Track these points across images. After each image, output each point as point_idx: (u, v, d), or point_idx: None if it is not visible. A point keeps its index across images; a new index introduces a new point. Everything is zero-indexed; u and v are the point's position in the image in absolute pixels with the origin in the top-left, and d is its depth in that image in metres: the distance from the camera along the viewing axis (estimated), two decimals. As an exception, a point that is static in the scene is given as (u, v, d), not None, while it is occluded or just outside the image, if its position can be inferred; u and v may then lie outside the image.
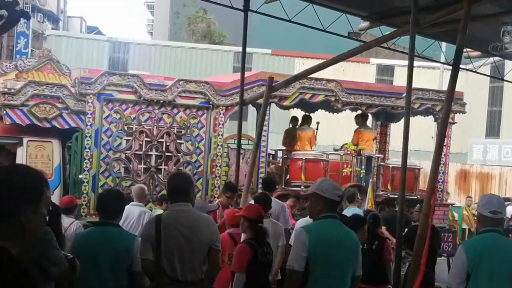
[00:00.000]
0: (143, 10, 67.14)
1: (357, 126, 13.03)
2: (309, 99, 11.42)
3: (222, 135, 10.77)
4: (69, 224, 7.34)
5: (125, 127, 10.16)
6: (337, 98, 11.49)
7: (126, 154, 10.15)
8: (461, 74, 8.80)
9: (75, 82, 9.92)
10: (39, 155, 9.89)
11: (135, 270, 4.65)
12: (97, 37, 28.79)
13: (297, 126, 13.14)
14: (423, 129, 21.70)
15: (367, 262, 5.12)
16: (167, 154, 10.38)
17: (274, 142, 13.52)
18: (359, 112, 12.68)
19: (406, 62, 7.41)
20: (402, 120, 13.08)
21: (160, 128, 10.34)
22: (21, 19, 4.53)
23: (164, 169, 10.35)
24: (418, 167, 12.77)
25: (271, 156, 12.68)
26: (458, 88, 7.77)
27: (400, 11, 9.15)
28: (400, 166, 11.96)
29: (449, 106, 7.23)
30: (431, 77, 22.96)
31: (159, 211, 8.78)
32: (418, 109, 12.22)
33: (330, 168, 11.74)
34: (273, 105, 11.36)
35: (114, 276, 4.60)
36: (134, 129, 10.22)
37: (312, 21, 10.50)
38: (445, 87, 9.35)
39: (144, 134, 10.25)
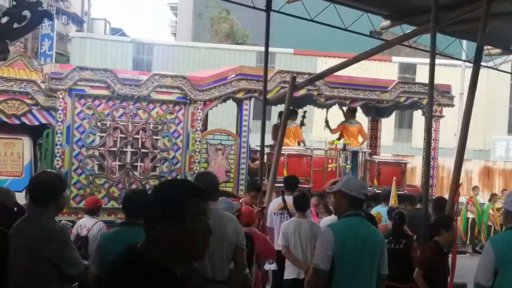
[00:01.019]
0: (166, 12, 67.64)
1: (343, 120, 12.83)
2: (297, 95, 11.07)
3: (200, 130, 10.53)
4: (93, 225, 7.38)
5: (99, 123, 9.90)
6: (319, 92, 11.22)
7: (100, 151, 9.91)
8: (482, 72, 8.86)
9: (45, 77, 9.74)
10: (8, 153, 9.66)
11: None
12: (121, 39, 29.14)
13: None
14: (446, 126, 21.66)
15: (394, 260, 5.12)
16: (143, 150, 10.14)
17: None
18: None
19: (427, 60, 7.49)
20: (393, 115, 13.20)
21: (136, 124, 10.09)
22: (45, 19, 4.66)
23: (140, 166, 10.13)
24: (405, 161, 12.56)
25: (258, 152, 12.38)
26: (480, 85, 7.87)
27: (421, 10, 9.25)
28: (386, 161, 12.20)
29: (471, 104, 7.34)
30: (452, 74, 22.92)
31: None
32: (404, 103, 12.00)
33: (314, 164, 11.52)
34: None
35: None
36: (108, 125, 9.95)
37: (334, 20, 10.62)
38: (466, 84, 9.42)
39: (119, 130, 10.00)
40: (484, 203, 16.54)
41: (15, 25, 4.17)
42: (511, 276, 4.20)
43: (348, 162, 11.72)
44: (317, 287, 4.26)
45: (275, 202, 8.51)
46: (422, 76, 22.41)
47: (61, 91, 9.68)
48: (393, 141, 24.36)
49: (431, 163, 12.11)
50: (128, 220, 4.72)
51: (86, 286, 4.62)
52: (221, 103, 11.36)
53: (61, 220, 8.00)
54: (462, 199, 15.21)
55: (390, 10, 10.12)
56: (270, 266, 7.45)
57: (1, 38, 4.14)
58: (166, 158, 10.30)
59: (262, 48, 10.46)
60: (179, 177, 10.20)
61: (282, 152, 11.10)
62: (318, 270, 4.22)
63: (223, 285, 4.57)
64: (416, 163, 20.46)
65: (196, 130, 10.46)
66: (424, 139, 11.65)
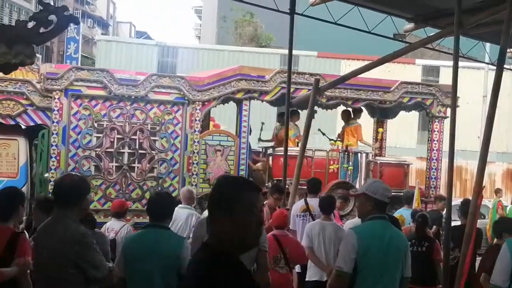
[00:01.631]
0: (191, 15, 68.08)
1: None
2: (291, 93, 10.95)
3: (199, 131, 10.42)
4: (120, 227, 7.38)
5: (95, 124, 9.84)
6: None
7: (97, 152, 9.85)
8: (506, 74, 8.80)
9: (41, 77, 9.68)
10: (3, 154, 9.59)
11: (184, 273, 4.62)
12: (146, 42, 29.39)
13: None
14: (469, 128, 21.47)
15: (417, 263, 5.09)
16: (140, 151, 10.07)
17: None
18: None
19: (451, 63, 7.47)
20: (399, 115, 13.03)
21: (133, 125, 10.03)
22: (70, 24, 4.74)
23: (137, 167, 10.06)
24: (407, 163, 12.37)
25: (260, 154, 12.35)
26: (503, 88, 7.81)
27: (444, 13, 9.22)
28: (389, 162, 12.06)
29: (494, 106, 7.29)
30: (476, 77, 22.72)
31: None
32: (407, 103, 11.88)
33: (315, 165, 11.35)
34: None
35: (163, 279, 4.49)
36: (104, 125, 9.89)
37: (358, 23, 10.62)
38: (490, 87, 9.37)
39: (116, 131, 9.94)
40: (507, 206, 16.38)
41: (42, 30, 4.26)
42: None
43: (350, 163, 11.61)
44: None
45: (298, 205, 8.53)
46: (445, 78, 22.24)
47: (57, 91, 9.64)
48: (416, 143, 24.19)
49: (435, 164, 11.97)
50: (153, 222, 4.74)
51: None
52: (222, 104, 11.24)
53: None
54: (486, 201, 15.04)
55: (413, 13, 10.09)
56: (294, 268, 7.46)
57: (28, 43, 4.23)
58: (164, 159, 10.25)
59: (286, 51, 10.47)
60: (177, 178, 10.23)
61: (282, 154, 10.88)
62: (341, 272, 4.24)
63: None
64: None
65: (195, 131, 10.38)
66: (429, 141, 11.74)
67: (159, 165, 10.21)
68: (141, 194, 10.00)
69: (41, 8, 4.27)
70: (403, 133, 23.90)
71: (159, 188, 10.02)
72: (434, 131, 12.05)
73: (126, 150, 10.04)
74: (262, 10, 11.64)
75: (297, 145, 12.03)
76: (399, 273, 4.30)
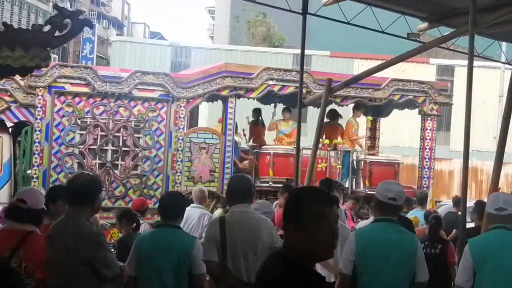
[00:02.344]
0: (204, 15, 68.27)
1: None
2: (278, 91, 10.98)
3: (183, 128, 10.40)
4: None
5: (78, 121, 9.87)
6: (308, 90, 10.99)
7: (80, 149, 9.86)
8: (522, 73, 8.73)
9: None
10: None
11: (195, 273, 4.55)
12: (160, 42, 29.51)
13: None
14: (485, 128, 21.34)
15: (429, 266, 5.06)
16: (124, 148, 10.05)
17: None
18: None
19: (466, 62, 7.43)
20: (392, 114, 12.86)
21: (116, 122, 10.03)
22: (85, 28, 4.81)
23: (121, 164, 10.04)
24: (398, 161, 12.16)
25: (248, 152, 12.19)
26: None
27: (459, 12, 9.16)
28: (379, 161, 11.90)
29: (510, 106, 7.25)
30: (491, 76, 22.55)
31: None
32: (398, 101, 11.73)
33: (303, 164, 10.93)
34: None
35: (174, 278, 4.52)
36: (88, 122, 9.91)
37: (371, 23, 10.58)
38: (506, 87, 9.31)
39: (99, 128, 9.95)
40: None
41: (57, 33, 4.32)
42: (486, 278, 4.15)
43: (339, 162, 11.49)
44: None
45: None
46: (460, 78, 22.12)
47: (40, 88, 9.65)
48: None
49: (427, 163, 11.83)
50: (164, 221, 4.77)
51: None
52: (209, 102, 11.36)
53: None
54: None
55: (427, 12, 10.03)
56: None
57: (43, 46, 4.30)
58: (148, 157, 10.24)
59: (299, 51, 10.45)
60: (161, 176, 10.18)
61: (267, 151, 11.08)
62: (341, 274, 4.30)
63: None
64: (454, 166, 20.20)
65: (179, 128, 10.34)
66: (421, 140, 11.59)
67: (142, 163, 10.22)
68: (125, 191, 9.99)
69: (57, 12, 4.32)
70: (418, 133, 23.79)
71: (143, 186, 9.98)
72: (427, 129, 11.90)
73: (110, 147, 10.04)
74: (275, 10, 11.65)
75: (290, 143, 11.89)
76: (408, 277, 4.22)
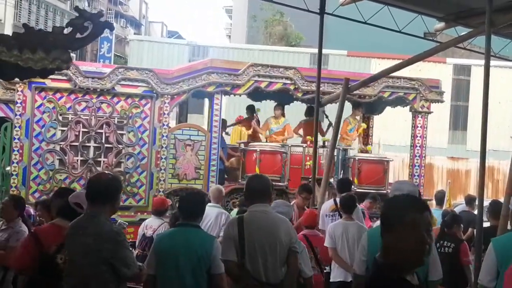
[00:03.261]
0: (221, 14, 68.47)
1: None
2: (265, 87, 10.82)
3: (168, 125, 10.24)
4: (159, 225, 7.44)
5: (60, 117, 9.71)
6: (296, 86, 10.86)
7: (61, 146, 9.71)
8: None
9: None
10: None
11: (214, 273, 4.57)
12: (177, 41, 29.57)
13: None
14: (502, 128, 21.19)
15: (444, 265, 5.05)
16: (106, 145, 9.92)
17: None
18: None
19: (483, 62, 7.43)
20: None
21: (99, 118, 9.87)
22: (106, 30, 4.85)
23: (103, 161, 9.91)
24: (387, 159, 11.97)
25: (237, 149, 12.02)
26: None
27: (475, 12, 9.15)
28: (368, 158, 11.60)
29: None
30: (508, 76, 22.38)
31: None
32: (388, 98, 11.52)
33: (291, 161, 11.15)
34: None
35: (194, 278, 4.53)
36: (69, 119, 9.75)
37: (388, 22, 10.60)
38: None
39: (81, 124, 9.80)
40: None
41: (77, 36, 4.38)
42: None
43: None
44: None
45: (327, 204, 8.50)
46: (476, 78, 21.98)
47: (20, 84, 9.51)
48: (448, 143, 23.95)
49: (418, 161, 11.58)
50: (184, 221, 4.79)
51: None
52: (195, 98, 11.21)
53: (116, 220, 8.17)
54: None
55: (444, 12, 10.02)
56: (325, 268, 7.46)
57: (64, 48, 4.35)
58: (131, 154, 10.10)
59: (316, 50, 10.48)
60: (144, 173, 10.00)
61: (254, 149, 10.94)
62: (355, 275, 4.34)
63: None
64: (471, 165, 20.08)
65: (163, 125, 10.20)
66: (412, 137, 11.44)
67: (126, 160, 10.06)
68: None
69: (77, 14, 4.38)
70: (434, 132, 23.68)
71: (126, 183, 9.89)
72: (417, 126, 11.65)
73: (92, 144, 9.91)
74: (292, 9, 11.67)
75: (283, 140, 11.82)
76: (421, 276, 4.21)
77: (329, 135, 12.51)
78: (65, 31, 4.44)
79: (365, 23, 10.51)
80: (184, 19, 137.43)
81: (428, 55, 9.79)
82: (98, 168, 9.78)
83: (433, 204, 11.34)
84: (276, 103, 12.24)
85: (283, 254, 4.61)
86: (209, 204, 7.75)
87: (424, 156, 11.76)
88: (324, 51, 10.91)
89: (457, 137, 24.16)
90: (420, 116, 11.61)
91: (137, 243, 7.77)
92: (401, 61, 10.23)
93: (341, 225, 7.02)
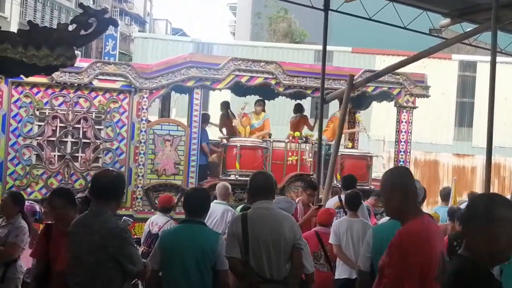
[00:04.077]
0: (226, 12, 68.38)
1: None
2: (246, 82, 10.71)
3: (146, 120, 10.16)
4: (164, 222, 7.45)
5: (37, 112, 9.64)
6: (277, 81, 10.74)
7: (38, 141, 9.64)
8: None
9: None
10: None
11: (219, 269, 4.58)
12: (182, 39, 29.56)
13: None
14: (508, 124, 21.11)
15: None
16: (84, 140, 9.84)
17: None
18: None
19: (489, 58, 7.39)
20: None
21: (76, 113, 9.79)
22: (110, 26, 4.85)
23: (81, 156, 9.83)
24: (371, 154, 11.85)
25: (219, 144, 11.80)
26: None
27: (481, 8, 9.11)
28: (350, 154, 11.44)
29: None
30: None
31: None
32: (372, 93, 11.36)
33: (274, 157, 11.01)
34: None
35: (199, 274, 4.53)
36: (46, 114, 9.67)
37: (393, 19, 10.57)
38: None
39: (58, 119, 9.72)
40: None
41: (82, 32, 4.38)
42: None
43: (310, 155, 11.21)
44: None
45: (332, 201, 8.50)
46: (482, 74, 21.91)
47: None
48: (453, 140, 23.91)
49: (403, 157, 11.47)
50: (189, 217, 4.78)
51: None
52: (176, 93, 11.16)
53: (122, 216, 8.29)
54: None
55: (449, 8, 9.98)
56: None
57: (69, 45, 4.35)
58: (109, 149, 9.98)
59: (320, 47, 10.45)
60: (123, 169, 9.89)
61: (234, 144, 10.81)
62: (359, 271, 4.35)
63: (280, 285, 4.57)
64: (476, 162, 20.02)
65: (142, 120, 10.11)
66: (397, 133, 11.35)
67: (104, 155, 9.98)
68: (85, 184, 9.71)
69: (82, 11, 4.38)
70: (440, 129, 23.64)
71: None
72: (402, 121, 11.51)
73: (69, 139, 9.83)
74: (296, 6, 11.63)
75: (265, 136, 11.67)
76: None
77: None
78: (70, 28, 4.44)
79: (369, 19, 10.48)
80: (188, 17, 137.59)
81: (434, 52, 9.75)
82: (76, 164, 9.77)
83: (438, 201, 11.33)
84: (257, 99, 12.17)
85: (287, 251, 4.61)
86: (215, 201, 7.80)
87: (409, 152, 11.66)
88: (328, 47, 10.86)
89: (462, 134, 24.12)
90: (405, 111, 11.50)
91: (142, 240, 7.79)
92: (406, 57, 10.18)
93: (345, 222, 6.99)
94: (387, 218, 7.29)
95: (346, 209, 7.37)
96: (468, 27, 10.31)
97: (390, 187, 3.72)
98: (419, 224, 3.58)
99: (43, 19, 30.93)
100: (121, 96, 10.07)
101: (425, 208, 11.60)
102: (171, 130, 10.27)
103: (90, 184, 4.38)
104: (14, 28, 25.58)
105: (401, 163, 11.49)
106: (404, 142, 11.53)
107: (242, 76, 10.62)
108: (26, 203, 7.24)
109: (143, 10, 56.37)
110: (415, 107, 11.58)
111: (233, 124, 12.09)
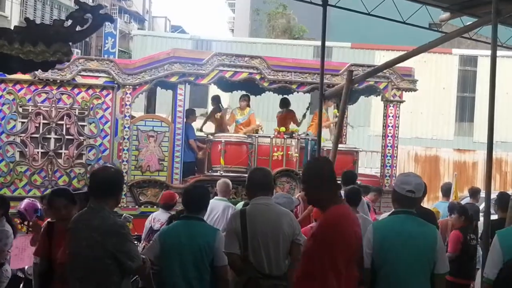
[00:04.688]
0: (224, 8, 68.41)
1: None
2: (230, 77, 10.68)
3: (130, 116, 10.13)
4: (166, 219, 7.34)
5: (20, 109, 9.63)
6: (262, 76, 10.70)
7: (21, 138, 9.63)
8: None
9: None
10: None
11: (218, 265, 4.60)
12: (181, 36, 29.58)
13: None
14: (509, 119, 21.06)
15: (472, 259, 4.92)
16: (67, 137, 9.81)
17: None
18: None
19: (489, 52, 7.35)
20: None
21: (59, 110, 9.77)
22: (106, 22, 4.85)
23: (64, 153, 9.80)
24: (357, 149, 11.82)
25: (205, 140, 11.76)
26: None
27: (481, 1, 9.04)
28: (337, 149, 11.17)
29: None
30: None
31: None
32: (358, 87, 11.26)
33: (259, 152, 10.94)
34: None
35: (197, 270, 4.55)
36: (30, 110, 9.66)
37: (392, 13, 10.52)
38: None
39: (41, 116, 9.70)
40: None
41: (78, 28, 4.39)
42: None
43: (296, 150, 11.17)
44: (362, 284, 4.25)
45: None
46: (483, 68, 21.87)
47: None
48: (454, 135, 23.89)
49: (390, 151, 11.41)
50: (188, 214, 4.81)
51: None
52: (160, 88, 11.14)
53: (122, 214, 8.19)
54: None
55: (449, 2, 9.92)
56: None
57: (65, 41, 4.36)
58: (93, 145, 9.96)
59: (319, 43, 10.37)
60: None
61: (219, 140, 10.79)
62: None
63: (279, 280, 4.58)
64: (478, 157, 19.98)
65: (125, 116, 10.09)
66: (383, 127, 11.24)
67: (87, 152, 9.95)
68: (68, 181, 9.77)
69: (77, 7, 4.38)
70: (440, 124, 23.62)
71: (88, 175, 9.74)
72: (389, 116, 11.47)
73: (53, 135, 9.80)
74: (295, 2, 11.59)
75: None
76: (425, 269, 4.17)
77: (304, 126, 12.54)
78: (66, 24, 4.44)
79: (368, 14, 10.42)
80: (187, 14, 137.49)
81: (433, 46, 9.69)
82: (59, 160, 9.76)
83: (439, 197, 11.29)
84: (242, 94, 12.13)
85: (286, 247, 4.63)
86: (216, 197, 7.84)
87: (396, 146, 11.59)
88: (327, 43, 10.84)
89: (463, 129, 24.10)
90: (392, 105, 11.45)
91: (143, 236, 7.79)
92: (405, 52, 10.14)
93: None
94: (387, 214, 7.34)
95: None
96: (468, 21, 10.24)
97: (308, 176, 3.94)
98: (338, 211, 3.75)
99: (43, 18, 30.92)
100: (104, 92, 10.03)
101: (426, 204, 11.60)
102: (155, 126, 10.25)
103: (89, 181, 4.37)
104: (12, 27, 25.54)
105: (388, 158, 11.44)
106: (391, 136, 11.47)
107: (226, 71, 10.60)
108: (28, 200, 7.25)
109: (142, 8, 56.33)
110: (402, 101, 11.53)
111: (226, 118, 12.06)
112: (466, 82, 24.12)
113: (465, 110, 24.16)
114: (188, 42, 25.73)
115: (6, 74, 8.96)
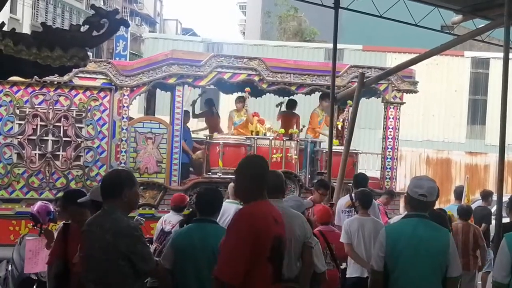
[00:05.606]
0: (235, 11, 68.58)
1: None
2: (228, 78, 10.57)
3: (127, 118, 10.05)
4: (177, 221, 7.27)
5: (17, 111, 9.59)
6: (261, 77, 10.58)
7: (19, 140, 9.59)
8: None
9: None
10: None
11: None
12: (192, 39, 29.64)
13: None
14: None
15: None
16: (65, 139, 9.76)
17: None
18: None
19: (501, 55, 7.35)
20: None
21: (57, 111, 9.71)
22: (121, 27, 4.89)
23: (62, 155, 9.77)
24: (356, 151, 11.68)
25: (203, 142, 11.58)
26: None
27: (494, 4, 9.04)
28: (335, 151, 10.72)
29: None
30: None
31: None
32: None
33: (256, 154, 10.60)
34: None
35: (210, 271, 4.34)
36: (27, 112, 9.62)
37: (404, 16, 10.52)
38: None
39: (39, 118, 9.66)
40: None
41: (94, 33, 4.42)
42: None
43: (295, 152, 11.05)
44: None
45: (343, 200, 8.48)
46: (495, 71, 21.77)
47: None
48: (466, 138, 23.79)
49: (390, 153, 11.30)
50: (201, 216, 4.78)
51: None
52: (159, 90, 11.07)
53: (134, 216, 8.34)
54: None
55: (461, 4, 9.92)
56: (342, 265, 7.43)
57: (82, 46, 4.40)
58: (91, 147, 9.91)
59: (331, 45, 10.37)
60: (104, 167, 9.83)
61: (217, 142, 10.69)
62: (373, 271, 4.31)
63: (291, 283, 4.54)
64: (489, 160, 19.89)
65: (123, 118, 10.02)
66: (384, 129, 11.14)
67: (85, 153, 9.90)
68: (66, 183, 9.73)
69: (92, 12, 4.42)
70: (452, 127, 23.53)
71: (85, 177, 9.81)
72: (389, 118, 11.33)
73: (50, 137, 9.76)
74: (306, 4, 11.60)
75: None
76: (440, 273, 4.17)
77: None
78: (82, 29, 4.48)
79: (380, 17, 10.43)
80: (198, 16, 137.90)
81: (446, 49, 9.71)
82: (57, 162, 9.74)
83: (451, 200, 11.26)
84: (237, 96, 12.01)
85: (298, 249, 4.61)
86: (227, 200, 7.76)
87: (397, 148, 11.51)
88: (339, 46, 10.77)
89: (475, 132, 23.99)
90: (392, 107, 11.35)
91: (155, 238, 7.81)
92: (417, 55, 10.14)
93: (357, 220, 6.96)
94: (400, 217, 7.34)
95: (357, 208, 7.34)
96: (481, 23, 10.23)
97: (237, 172, 4.10)
98: (255, 207, 3.87)
99: (54, 21, 31.14)
100: (102, 94, 9.99)
101: (437, 207, 11.54)
102: (153, 128, 10.19)
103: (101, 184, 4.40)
104: (26, 30, 25.81)
105: (389, 160, 11.36)
106: (392, 138, 11.38)
107: (224, 73, 10.50)
108: (41, 203, 7.28)
109: (153, 11, 56.59)
110: (402, 103, 11.43)
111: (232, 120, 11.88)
112: (478, 85, 24.02)
113: (477, 113, 24.05)
114: (200, 45, 25.81)
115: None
